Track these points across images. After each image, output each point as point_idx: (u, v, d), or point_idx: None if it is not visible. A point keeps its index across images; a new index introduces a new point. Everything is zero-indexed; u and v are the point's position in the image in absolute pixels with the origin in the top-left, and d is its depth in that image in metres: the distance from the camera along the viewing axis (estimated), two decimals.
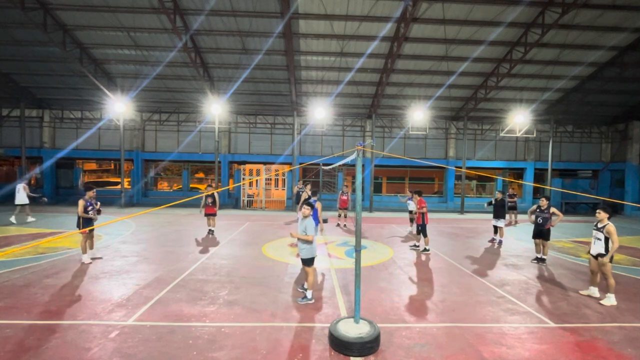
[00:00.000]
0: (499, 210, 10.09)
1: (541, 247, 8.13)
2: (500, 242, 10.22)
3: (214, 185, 17.41)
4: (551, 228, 8.02)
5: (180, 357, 3.74)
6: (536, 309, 5.34)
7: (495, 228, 10.32)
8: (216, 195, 10.91)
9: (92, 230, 7.50)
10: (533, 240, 8.32)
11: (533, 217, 8.21)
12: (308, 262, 5.35)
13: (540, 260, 8.18)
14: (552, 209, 8.00)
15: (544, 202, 8.07)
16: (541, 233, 8.03)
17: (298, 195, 13.57)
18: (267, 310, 5.01)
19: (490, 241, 10.52)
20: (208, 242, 9.73)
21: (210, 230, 10.75)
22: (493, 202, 10.36)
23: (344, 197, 13.11)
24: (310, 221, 5.32)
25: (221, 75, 16.74)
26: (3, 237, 9.74)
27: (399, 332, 4.46)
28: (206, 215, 10.69)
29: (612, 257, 5.61)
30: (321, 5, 12.50)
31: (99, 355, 3.73)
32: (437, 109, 19.23)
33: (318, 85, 17.51)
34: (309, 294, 5.36)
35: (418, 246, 9.47)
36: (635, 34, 13.89)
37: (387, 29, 13.39)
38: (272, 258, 8.09)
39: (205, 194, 11.06)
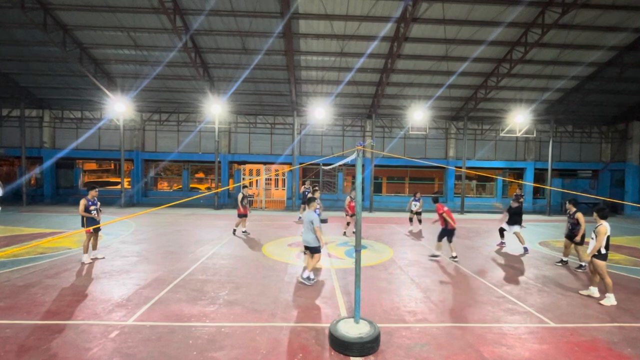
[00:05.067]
0: (513, 217, 9.54)
1: (575, 251, 7.71)
2: (525, 249, 9.46)
3: (248, 185, 17.31)
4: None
5: (180, 357, 3.74)
6: (536, 309, 5.34)
7: (502, 232, 9.99)
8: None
9: (97, 230, 7.51)
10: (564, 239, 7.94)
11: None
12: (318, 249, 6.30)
13: (576, 266, 7.70)
14: (577, 215, 7.50)
15: (569, 207, 7.70)
16: (572, 236, 7.65)
17: (304, 195, 13.83)
18: (267, 310, 5.01)
19: (498, 245, 10.14)
20: (208, 242, 9.74)
21: (243, 231, 10.80)
22: (507, 208, 9.76)
23: (353, 204, 11.32)
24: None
25: (221, 75, 16.73)
26: (3, 237, 9.74)
27: (399, 332, 4.46)
28: (240, 215, 10.68)
29: (606, 256, 5.62)
30: (321, 5, 12.50)
31: (99, 355, 3.74)
32: (437, 109, 19.22)
33: (318, 85, 17.50)
34: (310, 274, 6.26)
35: (439, 255, 8.54)
36: (635, 34, 13.88)
37: (387, 29, 13.39)
38: (272, 258, 8.09)
39: (243, 186, 11.27)
